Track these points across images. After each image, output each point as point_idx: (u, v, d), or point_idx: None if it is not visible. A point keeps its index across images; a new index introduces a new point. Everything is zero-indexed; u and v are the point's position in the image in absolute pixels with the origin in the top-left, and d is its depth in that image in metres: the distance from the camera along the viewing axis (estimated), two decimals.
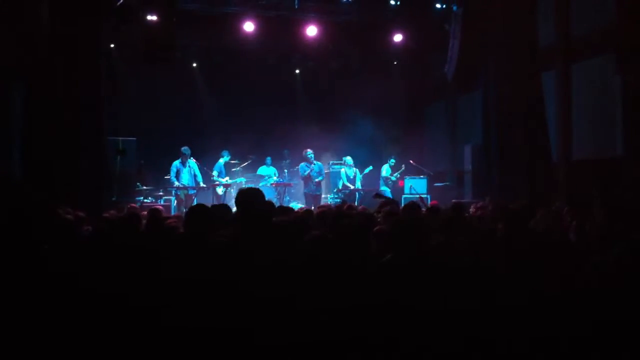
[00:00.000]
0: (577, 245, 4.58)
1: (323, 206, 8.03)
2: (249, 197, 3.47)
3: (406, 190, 13.81)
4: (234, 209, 4.26)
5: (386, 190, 13.29)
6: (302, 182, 13.06)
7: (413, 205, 6.47)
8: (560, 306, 3.23)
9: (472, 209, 7.78)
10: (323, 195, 13.59)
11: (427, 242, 3.86)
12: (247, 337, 2.98)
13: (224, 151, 13.12)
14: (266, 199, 4.35)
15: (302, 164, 12.74)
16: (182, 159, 11.90)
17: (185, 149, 11.93)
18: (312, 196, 12.55)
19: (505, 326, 3.13)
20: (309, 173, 12.45)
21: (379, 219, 5.40)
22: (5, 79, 9.05)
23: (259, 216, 3.49)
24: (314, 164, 12.67)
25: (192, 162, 12.07)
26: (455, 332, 3.08)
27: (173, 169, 11.87)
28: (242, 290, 3.11)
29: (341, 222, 4.61)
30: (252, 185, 11.32)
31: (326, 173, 14.40)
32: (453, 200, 10.88)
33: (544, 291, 3.41)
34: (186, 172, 11.89)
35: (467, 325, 3.11)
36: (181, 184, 11.78)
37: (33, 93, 9.39)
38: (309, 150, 12.76)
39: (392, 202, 6.09)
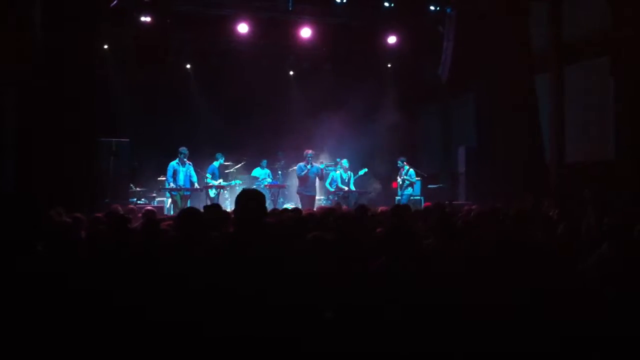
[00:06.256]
0: (566, 248, 4.55)
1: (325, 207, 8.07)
2: (248, 198, 3.46)
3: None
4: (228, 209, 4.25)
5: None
6: (295, 183, 13.03)
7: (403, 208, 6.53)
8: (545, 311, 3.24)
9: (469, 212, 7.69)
10: (317, 197, 13.55)
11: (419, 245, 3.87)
12: (241, 340, 2.98)
13: (218, 154, 13.08)
14: None
15: (301, 163, 12.58)
16: (179, 159, 11.79)
17: (183, 149, 11.83)
18: (306, 196, 12.49)
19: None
20: (305, 173, 12.39)
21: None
22: None
23: (254, 217, 3.47)
24: (313, 166, 12.57)
25: (187, 163, 11.99)
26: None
27: (170, 170, 11.71)
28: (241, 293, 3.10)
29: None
30: (246, 187, 11.34)
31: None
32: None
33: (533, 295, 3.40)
34: (183, 173, 11.79)
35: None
36: (177, 184, 11.69)
37: (26, 95, 9.35)
38: (310, 152, 12.63)
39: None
